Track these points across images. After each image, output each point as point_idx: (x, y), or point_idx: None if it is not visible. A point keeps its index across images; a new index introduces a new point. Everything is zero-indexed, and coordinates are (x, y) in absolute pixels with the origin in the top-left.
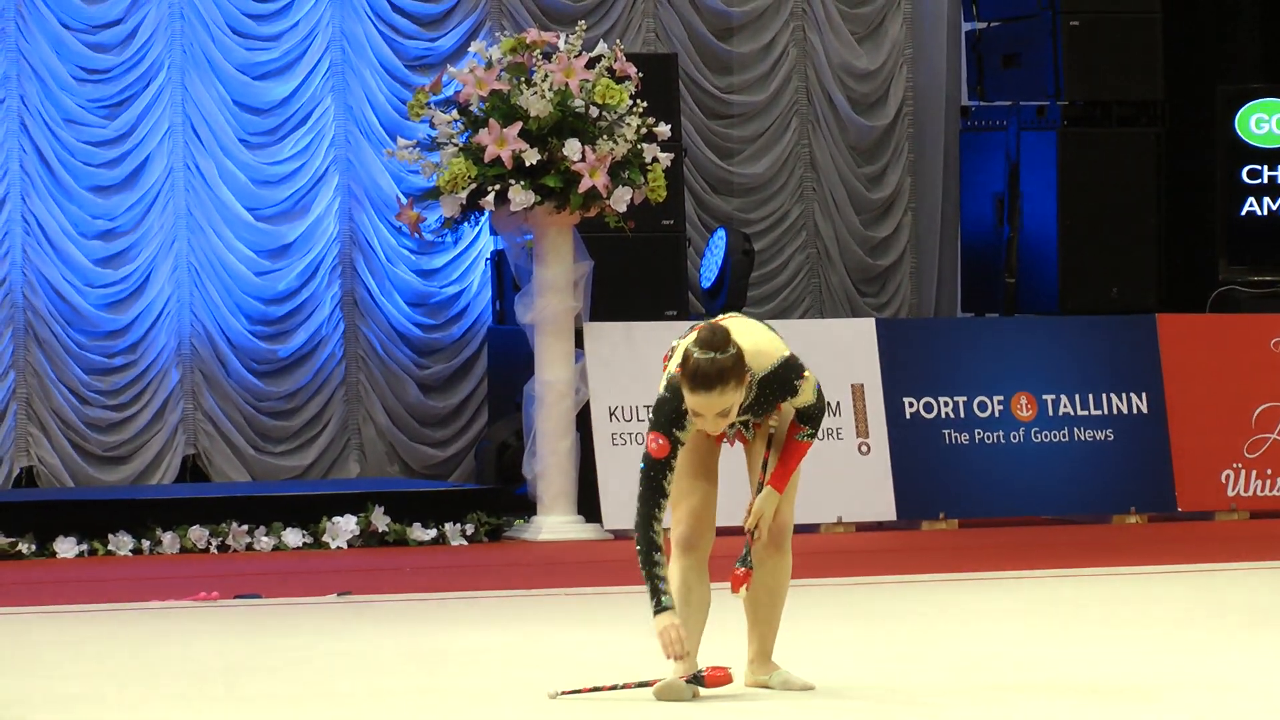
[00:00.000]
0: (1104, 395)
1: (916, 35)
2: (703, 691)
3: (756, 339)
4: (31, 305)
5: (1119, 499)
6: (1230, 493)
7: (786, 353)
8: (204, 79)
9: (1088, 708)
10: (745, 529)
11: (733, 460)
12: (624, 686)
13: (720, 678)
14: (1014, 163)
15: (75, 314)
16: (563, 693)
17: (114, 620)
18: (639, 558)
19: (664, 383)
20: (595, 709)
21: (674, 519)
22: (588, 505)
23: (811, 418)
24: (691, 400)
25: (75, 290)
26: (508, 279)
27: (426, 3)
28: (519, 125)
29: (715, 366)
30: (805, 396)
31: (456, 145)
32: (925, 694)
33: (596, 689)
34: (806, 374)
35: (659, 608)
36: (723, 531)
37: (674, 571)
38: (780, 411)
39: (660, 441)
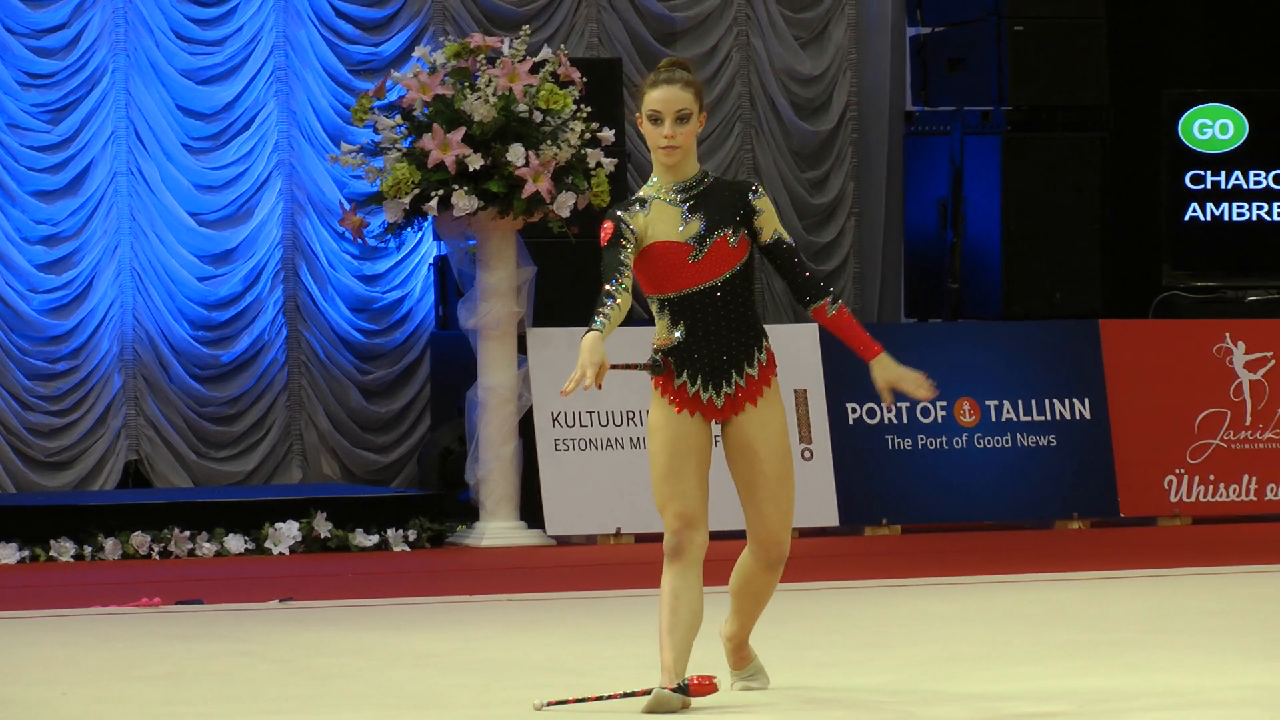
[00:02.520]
0: (1047, 401)
1: (860, 40)
2: (691, 702)
3: None
4: None
5: (1062, 505)
6: (1173, 498)
7: None
8: (148, 84)
9: (1030, 713)
10: (920, 398)
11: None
12: (610, 697)
13: (706, 687)
14: (958, 168)
15: (17, 319)
16: (549, 704)
17: (56, 626)
18: (596, 319)
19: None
20: None
21: (665, 524)
22: (530, 511)
23: (813, 280)
24: (651, 98)
25: (17, 295)
26: (451, 284)
27: (370, 8)
28: (463, 130)
29: (677, 64)
30: (772, 220)
31: (400, 150)
32: (870, 698)
33: (582, 700)
34: (762, 192)
35: (589, 329)
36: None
37: (664, 581)
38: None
39: (606, 225)
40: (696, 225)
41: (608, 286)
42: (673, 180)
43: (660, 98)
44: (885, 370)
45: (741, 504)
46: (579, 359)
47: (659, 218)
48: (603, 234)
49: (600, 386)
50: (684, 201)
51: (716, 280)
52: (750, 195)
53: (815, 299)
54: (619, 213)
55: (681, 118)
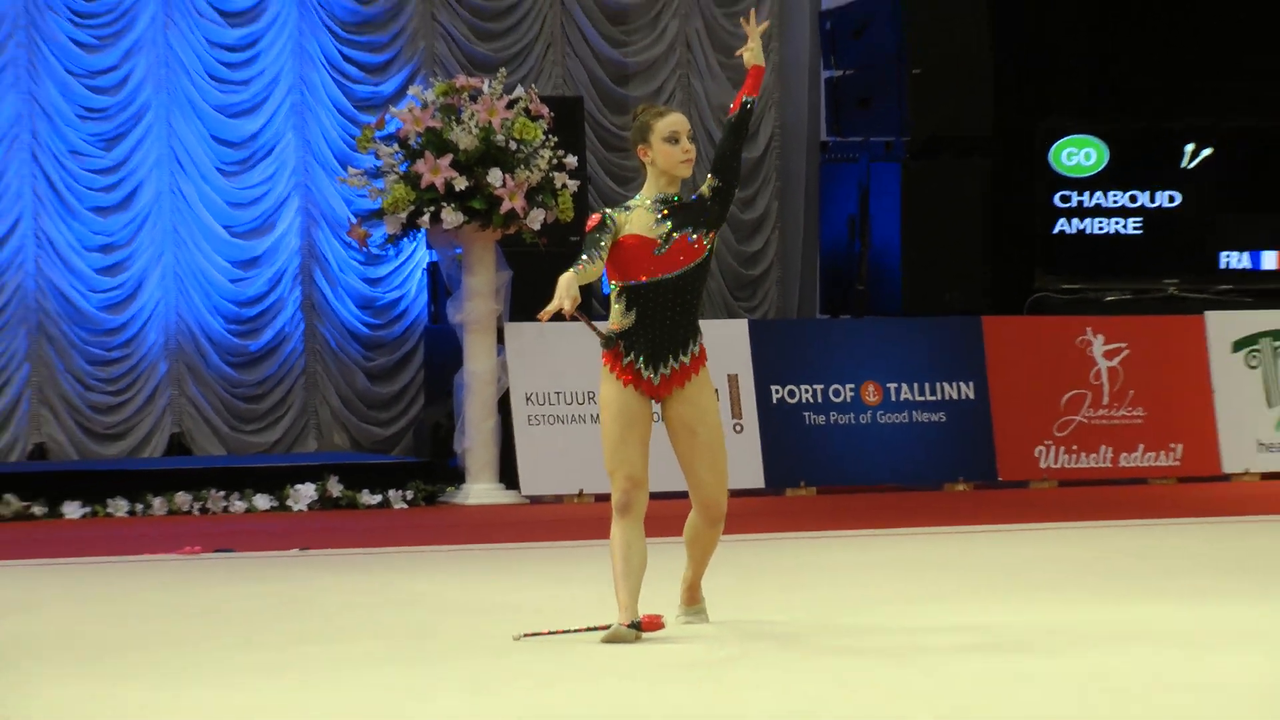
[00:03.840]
0: (938, 384)
1: (783, 81)
2: (643, 635)
3: None
4: (43, 308)
5: (950, 470)
6: (1043, 465)
7: None
8: (186, 117)
9: (925, 644)
10: (740, 54)
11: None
12: (577, 630)
13: (654, 624)
14: (865, 189)
15: (79, 315)
16: (525, 635)
17: (112, 571)
18: (574, 267)
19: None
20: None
21: (613, 486)
22: (508, 475)
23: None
24: (666, 122)
25: (79, 295)
26: (441, 286)
27: (371, 53)
28: (450, 156)
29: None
30: (709, 181)
31: (397, 173)
32: (793, 631)
33: (553, 632)
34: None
35: (569, 270)
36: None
37: (615, 532)
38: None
39: (594, 216)
40: (666, 226)
41: (585, 251)
42: (657, 192)
43: (677, 120)
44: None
45: (683, 472)
46: (556, 291)
47: (638, 218)
48: (589, 221)
49: (569, 316)
50: (660, 210)
51: (672, 274)
52: (702, 198)
53: (734, 107)
54: (607, 210)
55: (691, 136)
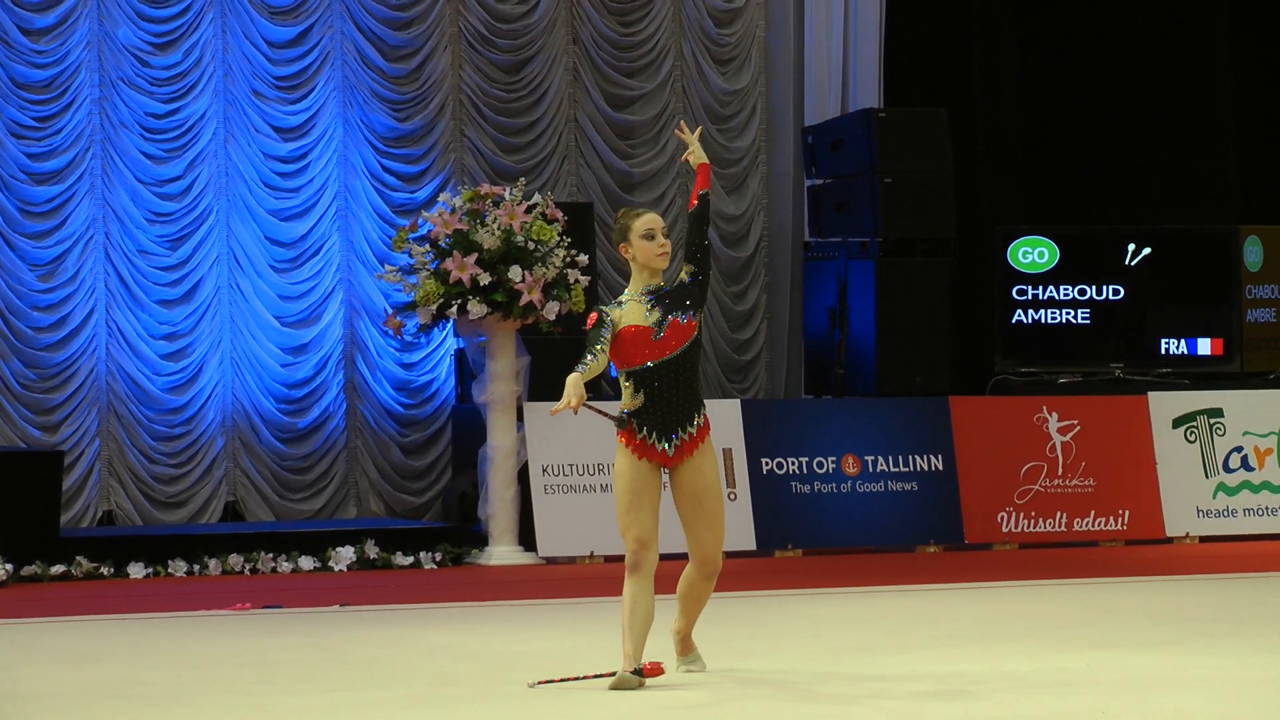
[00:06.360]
0: (910, 456)
1: (770, 188)
2: (645, 681)
3: None
4: (113, 390)
5: (922, 533)
6: (1005, 529)
7: None
8: (243, 220)
9: (900, 690)
10: (686, 158)
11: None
12: (585, 678)
13: (655, 670)
14: (843, 283)
15: (146, 396)
16: (540, 682)
17: (172, 625)
18: (579, 366)
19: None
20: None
21: (625, 547)
22: (527, 538)
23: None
24: (643, 220)
25: (146, 378)
26: (467, 370)
27: (408, 164)
28: (475, 255)
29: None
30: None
31: (429, 270)
32: (782, 678)
33: (565, 679)
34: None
35: (574, 371)
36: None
37: (625, 589)
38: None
39: (592, 315)
40: (657, 313)
41: (589, 350)
42: (643, 285)
43: (651, 219)
44: (695, 154)
45: (685, 531)
46: (565, 391)
47: (631, 311)
48: (589, 320)
49: (576, 412)
50: (648, 299)
51: (671, 355)
52: (689, 283)
53: (693, 202)
54: (602, 307)
55: (665, 232)
